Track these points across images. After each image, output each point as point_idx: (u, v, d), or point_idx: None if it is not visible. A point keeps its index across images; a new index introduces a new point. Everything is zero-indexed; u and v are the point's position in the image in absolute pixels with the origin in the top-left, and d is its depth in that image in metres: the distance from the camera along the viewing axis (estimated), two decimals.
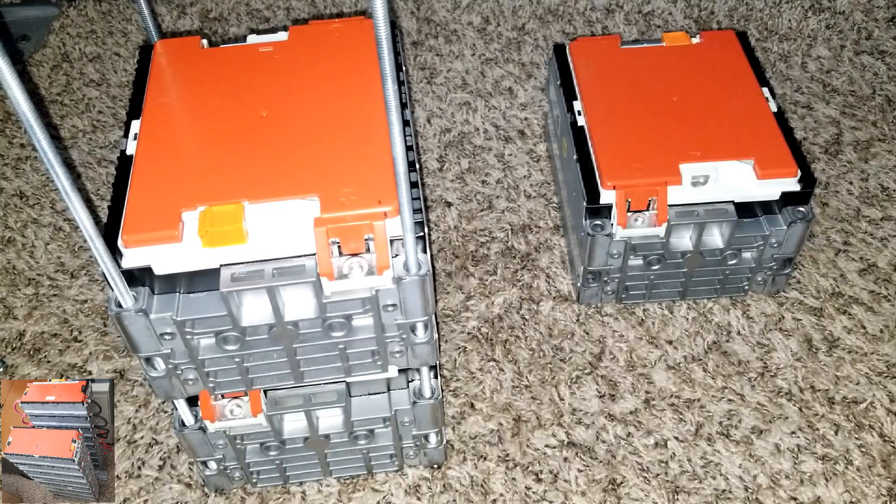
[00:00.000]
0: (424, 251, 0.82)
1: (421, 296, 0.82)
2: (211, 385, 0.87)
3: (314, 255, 0.80)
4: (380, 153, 0.85)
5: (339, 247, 0.80)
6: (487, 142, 1.46)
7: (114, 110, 1.55)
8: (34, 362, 1.20)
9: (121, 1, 1.75)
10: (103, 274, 0.77)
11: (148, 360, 0.84)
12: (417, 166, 0.93)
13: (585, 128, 1.16)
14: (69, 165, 1.45)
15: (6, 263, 1.32)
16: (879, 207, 1.33)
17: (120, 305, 0.79)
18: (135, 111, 0.95)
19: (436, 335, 0.88)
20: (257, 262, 0.80)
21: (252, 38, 1.02)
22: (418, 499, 1.05)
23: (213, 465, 1.02)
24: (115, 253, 0.81)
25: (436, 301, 1.24)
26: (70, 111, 1.55)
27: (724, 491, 1.04)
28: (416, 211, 0.82)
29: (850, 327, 1.19)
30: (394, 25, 1.06)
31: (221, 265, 0.80)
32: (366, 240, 0.80)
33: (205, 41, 1.02)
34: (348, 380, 0.93)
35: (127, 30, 1.70)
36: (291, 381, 0.89)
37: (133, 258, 0.80)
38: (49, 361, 1.20)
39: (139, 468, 1.09)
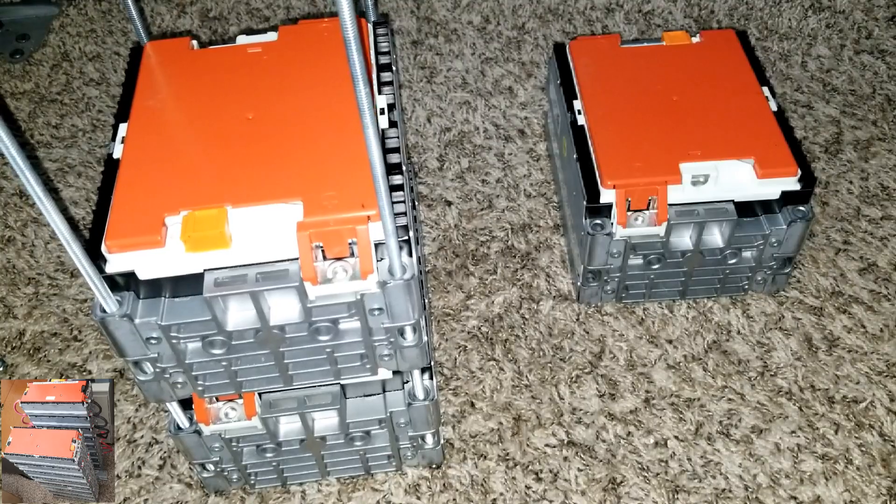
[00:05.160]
0: (411, 254, 0.82)
1: (407, 300, 0.81)
2: (199, 388, 0.87)
3: (298, 259, 0.79)
4: (364, 156, 0.84)
5: (322, 251, 0.80)
6: (487, 141, 1.46)
7: (113, 109, 1.55)
8: (34, 361, 1.21)
9: (121, 0, 1.76)
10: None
11: (136, 364, 0.84)
12: (404, 168, 0.93)
13: (585, 127, 1.15)
14: (69, 165, 1.46)
15: (6, 263, 1.33)
16: (879, 207, 1.32)
17: (104, 310, 0.79)
18: (123, 114, 0.94)
19: (425, 338, 0.87)
20: (241, 266, 0.80)
21: (241, 39, 1.01)
22: (418, 498, 1.05)
23: (210, 467, 1.02)
24: (99, 258, 0.81)
25: (424, 303, 1.23)
26: (70, 110, 1.56)
27: (723, 490, 1.04)
28: (400, 214, 0.81)
29: (850, 326, 1.18)
30: (386, 24, 1.06)
31: (205, 270, 0.80)
32: (350, 244, 0.79)
33: (195, 42, 1.01)
34: (342, 382, 0.92)
35: (127, 29, 1.71)
36: (280, 385, 0.89)
37: (117, 263, 0.80)
38: (49, 361, 1.21)
39: (139, 468, 1.10)
